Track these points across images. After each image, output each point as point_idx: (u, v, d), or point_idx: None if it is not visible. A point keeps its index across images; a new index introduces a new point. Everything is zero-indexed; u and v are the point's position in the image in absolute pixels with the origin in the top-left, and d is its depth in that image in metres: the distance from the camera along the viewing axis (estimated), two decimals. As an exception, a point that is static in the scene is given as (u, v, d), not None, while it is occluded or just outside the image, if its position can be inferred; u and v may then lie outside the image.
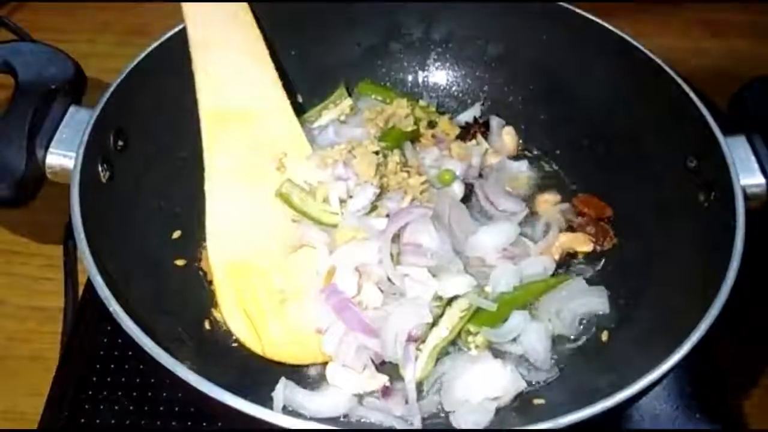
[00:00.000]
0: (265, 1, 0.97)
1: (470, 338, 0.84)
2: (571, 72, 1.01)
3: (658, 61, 0.90)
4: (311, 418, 0.77)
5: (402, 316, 0.81)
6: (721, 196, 0.80)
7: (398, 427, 0.77)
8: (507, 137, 1.05)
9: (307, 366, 0.83)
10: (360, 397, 0.80)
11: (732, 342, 0.96)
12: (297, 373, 0.82)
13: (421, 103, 1.06)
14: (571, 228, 0.96)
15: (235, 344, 0.84)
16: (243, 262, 0.85)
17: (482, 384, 0.79)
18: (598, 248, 0.94)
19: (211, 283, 0.89)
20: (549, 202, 0.99)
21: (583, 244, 0.94)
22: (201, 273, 0.90)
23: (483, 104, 1.09)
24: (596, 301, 0.87)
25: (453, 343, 0.84)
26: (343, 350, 0.80)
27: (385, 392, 0.79)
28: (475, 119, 1.07)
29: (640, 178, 0.94)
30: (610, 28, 0.95)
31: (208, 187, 0.87)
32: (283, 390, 0.77)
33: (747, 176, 0.81)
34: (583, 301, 0.87)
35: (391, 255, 0.84)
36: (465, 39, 1.08)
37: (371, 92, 1.06)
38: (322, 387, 0.81)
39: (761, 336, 0.99)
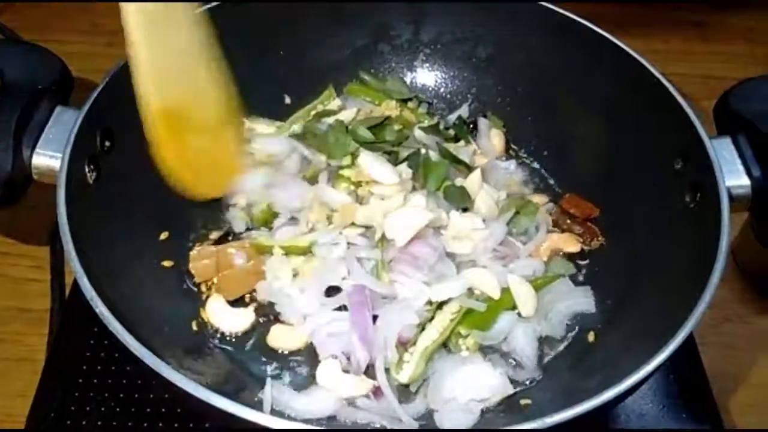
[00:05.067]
0: (255, 0, 0.97)
1: (461, 340, 0.84)
2: (558, 74, 1.01)
3: (645, 62, 0.91)
4: (299, 419, 0.77)
5: (391, 320, 0.81)
6: (706, 198, 0.81)
7: (389, 426, 0.77)
8: (495, 138, 1.05)
9: (297, 365, 0.84)
10: (349, 399, 0.80)
11: (719, 341, 0.97)
12: (286, 374, 0.83)
13: (410, 104, 1.06)
14: (558, 228, 0.96)
15: (221, 345, 0.85)
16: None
17: (470, 385, 0.79)
18: (586, 248, 0.94)
19: (199, 285, 0.89)
20: (537, 203, 0.99)
21: (570, 244, 0.94)
22: (188, 274, 0.90)
23: (471, 105, 1.09)
24: (582, 302, 0.88)
25: (444, 345, 0.84)
26: (329, 346, 0.81)
27: (376, 392, 0.79)
28: (463, 120, 1.07)
29: (627, 180, 0.94)
30: (598, 30, 0.96)
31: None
32: (271, 391, 0.77)
33: (732, 177, 0.81)
34: (570, 301, 0.87)
35: (383, 262, 0.85)
36: (453, 40, 1.08)
37: (360, 93, 1.07)
38: (309, 388, 0.81)
39: (748, 334, 0.99)
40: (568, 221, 0.96)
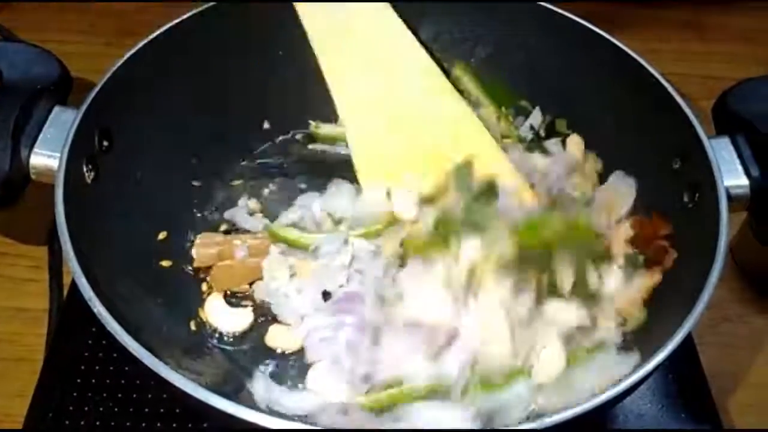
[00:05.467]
0: (255, 1, 0.97)
1: None
2: (557, 75, 1.01)
3: (643, 62, 0.91)
4: (291, 415, 0.76)
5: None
6: (705, 197, 0.81)
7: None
8: (573, 147, 0.95)
9: (296, 365, 0.84)
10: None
11: (718, 340, 0.97)
12: (284, 373, 0.83)
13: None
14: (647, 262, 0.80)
15: (220, 345, 0.85)
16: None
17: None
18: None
19: (198, 283, 0.89)
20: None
21: (653, 278, 0.80)
22: (187, 273, 0.90)
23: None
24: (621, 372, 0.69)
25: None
26: (319, 351, 0.81)
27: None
28: (536, 132, 0.98)
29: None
30: (597, 30, 0.95)
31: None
32: (264, 390, 0.77)
33: (730, 177, 0.81)
34: (607, 375, 0.70)
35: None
36: (453, 40, 1.08)
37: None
38: (306, 387, 0.81)
39: (747, 334, 0.99)
40: (658, 246, 0.81)
